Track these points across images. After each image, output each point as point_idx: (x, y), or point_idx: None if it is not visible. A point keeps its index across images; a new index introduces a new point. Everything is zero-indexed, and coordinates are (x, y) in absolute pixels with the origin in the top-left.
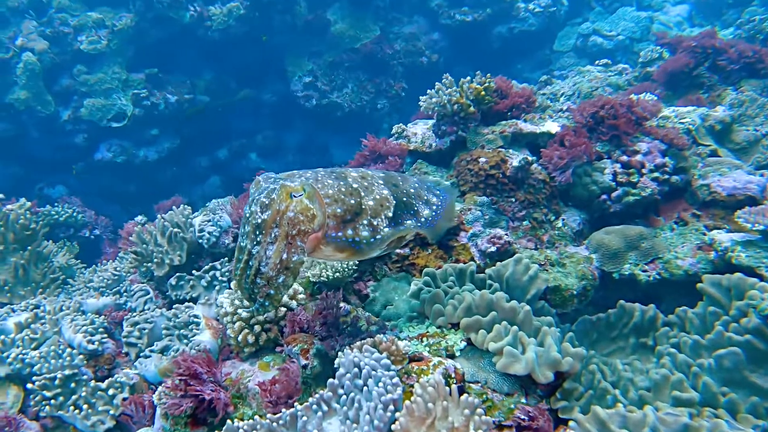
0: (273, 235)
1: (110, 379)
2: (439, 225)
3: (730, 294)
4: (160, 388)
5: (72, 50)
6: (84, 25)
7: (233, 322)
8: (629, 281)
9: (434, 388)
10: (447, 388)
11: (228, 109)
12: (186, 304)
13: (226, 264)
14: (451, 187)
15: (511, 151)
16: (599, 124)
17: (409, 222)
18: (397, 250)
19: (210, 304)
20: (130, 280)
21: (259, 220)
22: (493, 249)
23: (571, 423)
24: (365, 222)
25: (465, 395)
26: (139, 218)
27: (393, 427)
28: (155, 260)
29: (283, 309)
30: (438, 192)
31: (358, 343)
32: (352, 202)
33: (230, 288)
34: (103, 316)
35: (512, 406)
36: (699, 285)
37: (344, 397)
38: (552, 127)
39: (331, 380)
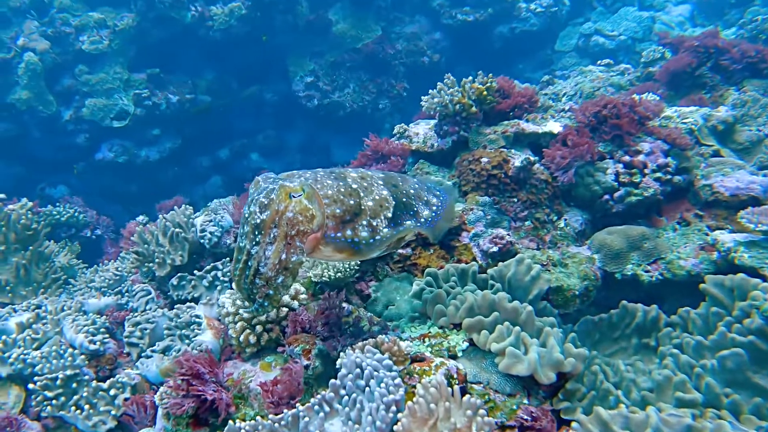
0: (272, 236)
1: (112, 379)
2: (439, 225)
3: (733, 295)
4: (161, 388)
5: (73, 50)
6: (85, 25)
7: (235, 323)
8: (631, 282)
9: (436, 389)
10: (449, 388)
11: (231, 108)
12: (188, 304)
13: (228, 264)
14: (451, 188)
15: (513, 151)
16: (602, 123)
17: (408, 222)
18: (399, 250)
19: (212, 304)
20: (131, 280)
21: (258, 221)
22: (495, 249)
23: (573, 424)
24: (364, 222)
25: (467, 396)
26: (140, 218)
27: (395, 428)
28: (157, 260)
29: (285, 309)
30: (438, 192)
31: (360, 343)
32: (352, 202)
33: (232, 288)
34: (104, 316)
35: (514, 407)
36: (702, 285)
37: (346, 397)
38: (554, 127)
39: (333, 381)
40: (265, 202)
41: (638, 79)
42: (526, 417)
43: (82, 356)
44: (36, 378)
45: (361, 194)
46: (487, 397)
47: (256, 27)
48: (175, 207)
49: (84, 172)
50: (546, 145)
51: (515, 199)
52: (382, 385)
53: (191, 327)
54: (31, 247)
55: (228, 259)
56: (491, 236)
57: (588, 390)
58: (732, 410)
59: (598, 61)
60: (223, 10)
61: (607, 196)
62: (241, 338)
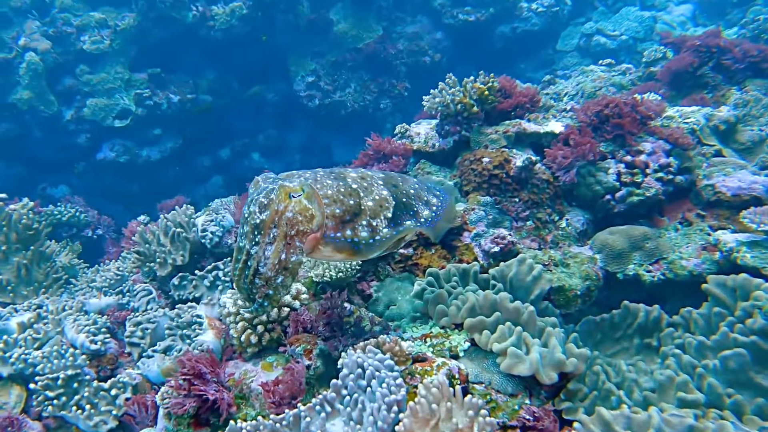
0: (271, 236)
1: (113, 379)
2: (439, 226)
3: (736, 295)
4: (163, 388)
5: (75, 50)
6: (87, 24)
7: (236, 322)
8: (633, 282)
9: (438, 389)
10: (451, 389)
11: (232, 108)
12: (189, 304)
13: (229, 264)
14: (452, 187)
15: (514, 151)
16: (603, 123)
17: (408, 222)
18: (401, 250)
19: (213, 304)
20: (132, 279)
21: (258, 221)
22: (496, 249)
23: (575, 424)
24: (364, 222)
25: (469, 396)
26: (141, 218)
27: (397, 428)
28: (158, 260)
29: (287, 309)
30: (438, 192)
31: (361, 343)
32: (351, 202)
33: (233, 288)
34: (105, 316)
35: (516, 407)
36: (704, 286)
37: (348, 398)
38: (556, 126)
39: (334, 381)
40: (265, 202)
41: (640, 78)
42: (528, 417)
43: (84, 356)
44: (37, 378)
45: (361, 194)
46: (488, 397)
47: (258, 27)
48: (177, 207)
49: (85, 171)
50: (547, 145)
51: (517, 199)
52: (384, 385)
53: (192, 327)
54: (32, 247)
55: (229, 259)
56: (493, 236)
57: (590, 390)
58: (734, 411)
59: (600, 61)
60: (224, 10)
61: (608, 196)
62: (243, 338)
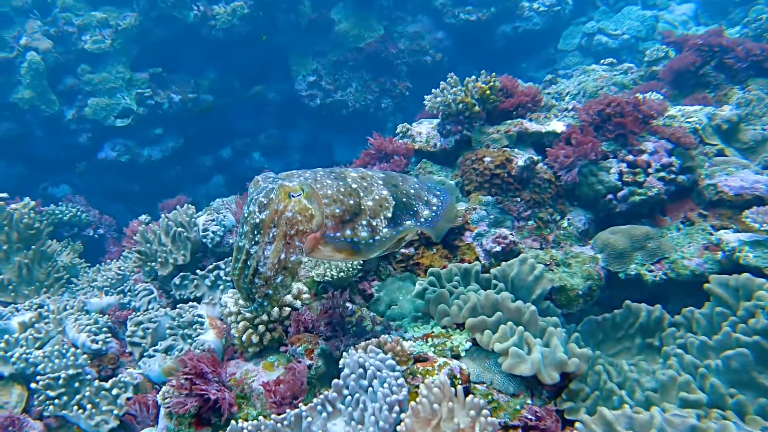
0: (271, 235)
1: (114, 378)
2: (439, 226)
3: (738, 294)
4: (164, 387)
5: (76, 49)
6: (88, 24)
7: (237, 322)
8: (635, 281)
9: (439, 389)
10: (452, 389)
11: (233, 107)
12: (190, 303)
13: (230, 263)
14: (452, 187)
15: (516, 150)
16: (605, 122)
17: (408, 222)
18: (402, 250)
19: (214, 303)
20: (133, 279)
21: (257, 220)
22: (498, 249)
23: (577, 424)
24: (364, 222)
25: (470, 396)
26: (143, 217)
27: (398, 428)
28: (159, 259)
29: (288, 309)
30: (438, 192)
31: (362, 343)
32: (351, 202)
33: (234, 287)
34: (106, 316)
35: (518, 407)
36: (706, 285)
37: (349, 397)
38: (557, 126)
39: (335, 381)
40: (264, 202)
41: (642, 78)
42: (530, 416)
43: (85, 355)
44: (38, 377)
45: (361, 194)
46: (490, 397)
47: (259, 26)
48: (178, 206)
49: (86, 171)
50: (549, 145)
51: (518, 199)
52: (385, 385)
53: (194, 326)
54: (33, 247)
55: (230, 258)
56: (494, 236)
57: (592, 390)
58: (737, 411)
59: (602, 60)
60: (225, 10)
61: (610, 196)
62: (244, 338)
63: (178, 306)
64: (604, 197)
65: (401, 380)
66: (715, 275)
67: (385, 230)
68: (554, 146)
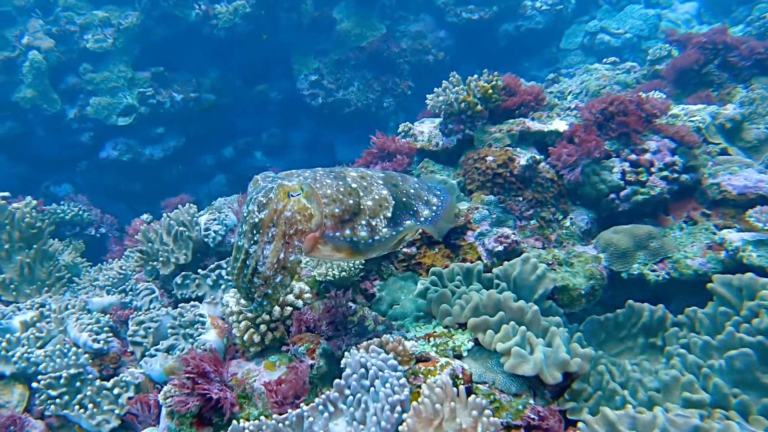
0: (270, 235)
1: (115, 378)
2: (439, 225)
3: (741, 294)
4: (166, 387)
5: (78, 49)
6: (90, 23)
7: (239, 322)
8: (638, 281)
9: (442, 389)
10: (454, 388)
11: (235, 106)
12: (191, 303)
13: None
14: (453, 187)
15: (518, 149)
16: (608, 120)
17: (408, 222)
18: (404, 249)
19: (215, 303)
20: (135, 278)
21: (257, 219)
22: (500, 248)
23: (580, 424)
24: (363, 222)
25: (473, 396)
26: (144, 217)
27: (400, 428)
28: (161, 259)
29: (289, 308)
30: (438, 192)
31: (364, 343)
32: (351, 202)
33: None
34: (108, 315)
35: (520, 407)
36: (709, 285)
37: (351, 397)
38: (560, 125)
39: (337, 381)
40: (264, 201)
41: (644, 77)
42: (533, 416)
43: (86, 355)
44: (40, 377)
45: (361, 194)
46: (492, 397)
47: (261, 25)
48: (180, 205)
49: (88, 170)
50: (551, 144)
51: (521, 198)
52: (387, 385)
53: (195, 326)
54: (35, 246)
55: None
56: (496, 235)
57: (594, 390)
58: (740, 411)
59: (604, 59)
60: (227, 9)
61: (613, 195)
62: (245, 337)
63: (179, 305)
64: (607, 196)
65: (403, 380)
66: (718, 275)
67: (384, 230)
68: (557, 145)
